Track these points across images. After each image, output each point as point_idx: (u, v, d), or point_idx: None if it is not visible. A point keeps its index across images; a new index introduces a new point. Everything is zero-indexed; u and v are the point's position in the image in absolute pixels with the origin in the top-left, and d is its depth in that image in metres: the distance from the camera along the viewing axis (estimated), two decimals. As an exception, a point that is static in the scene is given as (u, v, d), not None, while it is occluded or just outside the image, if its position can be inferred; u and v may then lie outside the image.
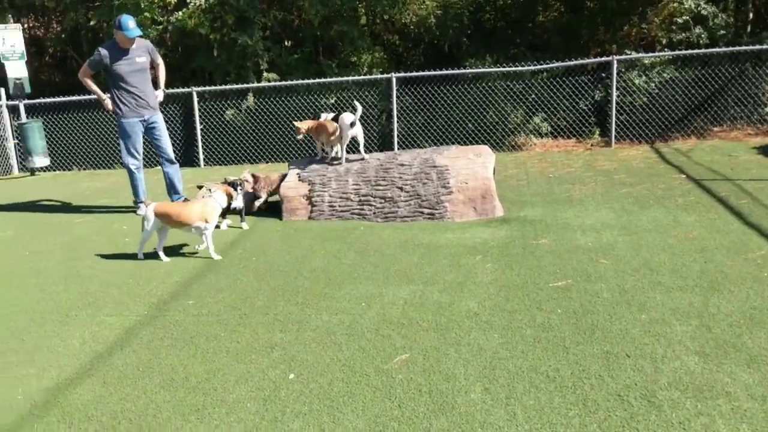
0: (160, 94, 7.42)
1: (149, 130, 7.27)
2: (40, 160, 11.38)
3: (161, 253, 5.52)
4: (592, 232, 5.49)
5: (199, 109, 11.44)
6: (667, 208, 6.05)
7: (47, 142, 11.75)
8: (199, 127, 11.38)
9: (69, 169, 12.35)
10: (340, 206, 6.54)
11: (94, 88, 7.21)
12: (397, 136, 10.81)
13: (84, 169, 12.28)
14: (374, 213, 6.43)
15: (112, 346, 3.85)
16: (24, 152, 11.54)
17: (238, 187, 6.15)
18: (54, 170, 12.25)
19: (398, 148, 10.78)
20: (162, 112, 7.43)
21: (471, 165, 6.45)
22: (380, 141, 11.30)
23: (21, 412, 3.15)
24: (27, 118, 11.83)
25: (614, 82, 9.97)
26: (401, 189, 6.44)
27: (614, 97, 10.04)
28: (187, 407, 3.10)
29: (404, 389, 3.13)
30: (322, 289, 4.56)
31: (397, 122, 10.78)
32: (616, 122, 10.18)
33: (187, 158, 11.64)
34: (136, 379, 3.42)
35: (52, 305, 4.60)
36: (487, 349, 3.48)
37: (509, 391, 3.04)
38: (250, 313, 4.20)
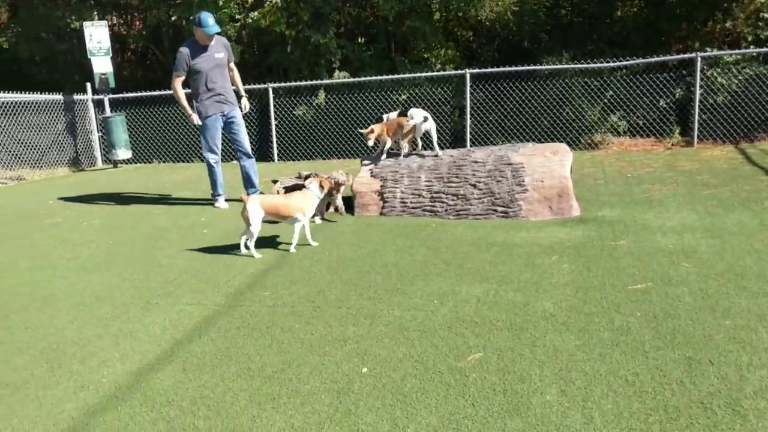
0: (245, 104, 7.58)
1: (228, 124, 7.44)
2: (123, 153, 11.82)
3: (249, 245, 5.50)
4: (673, 234, 5.31)
5: (274, 105, 11.64)
6: (753, 211, 5.80)
7: (129, 136, 12.18)
8: (273, 122, 11.58)
9: (149, 162, 12.79)
10: (411, 203, 6.53)
11: (183, 102, 7.37)
12: (470, 132, 10.74)
13: (164, 162, 12.69)
14: (446, 210, 6.40)
15: (191, 333, 3.95)
16: (108, 145, 12.00)
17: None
18: (135, 163, 12.71)
19: (471, 145, 10.70)
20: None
21: (547, 163, 6.33)
22: (452, 138, 11.24)
23: (106, 394, 3.27)
24: (111, 112, 12.30)
25: (698, 80, 9.62)
26: (474, 186, 6.39)
27: (697, 95, 9.69)
28: (263, 396, 3.15)
29: (478, 388, 3.09)
30: (394, 284, 4.57)
31: (470, 119, 10.70)
32: (698, 121, 9.83)
33: (261, 153, 11.88)
34: (214, 366, 3.50)
35: (134, 293, 4.76)
36: (563, 351, 3.41)
37: (586, 394, 2.97)
38: (323, 306, 4.24)
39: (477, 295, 4.25)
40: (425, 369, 3.31)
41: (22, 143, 11.76)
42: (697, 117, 9.77)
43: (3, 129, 11.46)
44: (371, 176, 6.80)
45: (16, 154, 11.77)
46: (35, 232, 6.92)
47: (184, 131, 12.45)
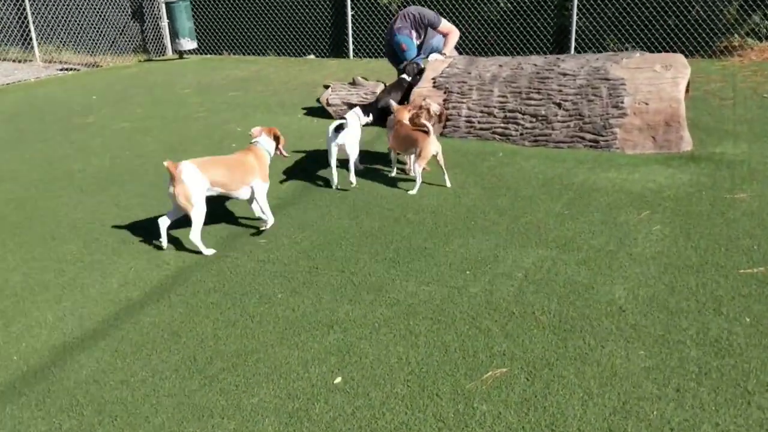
0: None
1: None
2: (187, 43, 11.08)
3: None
4: (816, 188, 3.94)
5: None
6: None
7: (199, 24, 11.38)
8: (350, 12, 10.30)
9: (219, 53, 11.93)
10: (479, 123, 5.37)
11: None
12: (576, 32, 9.13)
13: (234, 54, 11.80)
14: (521, 134, 5.21)
15: (150, 293, 3.15)
16: (171, 33, 11.30)
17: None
18: (204, 54, 11.92)
19: (576, 48, 9.14)
20: None
21: (656, 80, 4.95)
22: (555, 38, 9.62)
23: (4, 381, 2.54)
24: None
25: None
26: (559, 106, 5.13)
27: None
28: (192, 410, 2.31)
29: (484, 434, 2.11)
30: (422, 241, 3.55)
31: (578, 15, 9.07)
32: None
33: (335, 48, 10.74)
34: (152, 350, 2.68)
35: (115, 227, 3.99)
36: (624, 378, 2.33)
37: (646, 471, 1.93)
38: (322, 268, 3.30)
39: (525, 267, 3.18)
40: (420, 388, 2.35)
41: (96, 28, 11.27)
42: None
43: (80, 13, 10.99)
44: (433, 87, 5.63)
45: (93, 39, 11.33)
46: (58, 135, 6.35)
47: (258, 20, 11.43)
